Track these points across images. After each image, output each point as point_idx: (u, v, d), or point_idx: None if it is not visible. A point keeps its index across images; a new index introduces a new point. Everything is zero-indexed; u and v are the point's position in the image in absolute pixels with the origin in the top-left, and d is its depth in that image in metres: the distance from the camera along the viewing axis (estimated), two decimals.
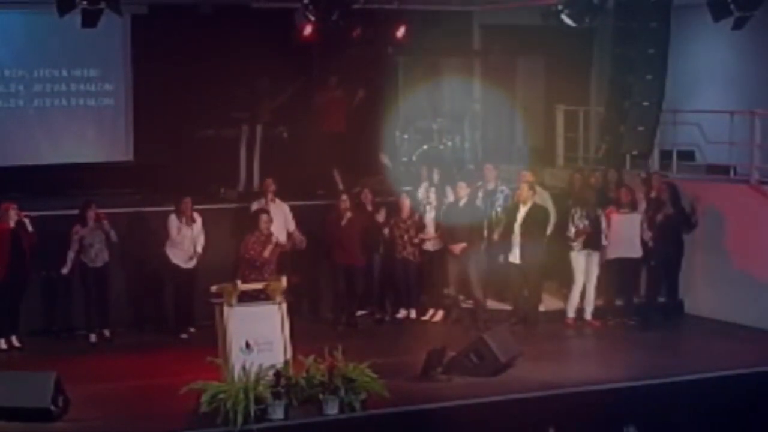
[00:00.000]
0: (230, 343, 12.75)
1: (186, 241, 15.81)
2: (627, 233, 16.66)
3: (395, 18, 18.40)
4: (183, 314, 16.10)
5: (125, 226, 16.21)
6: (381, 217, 16.94)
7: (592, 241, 16.56)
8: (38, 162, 18.20)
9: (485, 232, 16.75)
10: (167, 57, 18.34)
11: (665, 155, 18.21)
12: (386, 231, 16.84)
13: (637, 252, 16.73)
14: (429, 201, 17.03)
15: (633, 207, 16.80)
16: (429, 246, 16.92)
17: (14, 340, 15.27)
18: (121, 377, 13.89)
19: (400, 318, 17.11)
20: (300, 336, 13.46)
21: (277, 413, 12.13)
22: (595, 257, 16.65)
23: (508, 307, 16.91)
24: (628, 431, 12.72)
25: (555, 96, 20.45)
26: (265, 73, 18.40)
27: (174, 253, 15.88)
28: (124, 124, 18.80)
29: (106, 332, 15.73)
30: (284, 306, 13.20)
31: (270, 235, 15.42)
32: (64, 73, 18.47)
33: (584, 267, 16.63)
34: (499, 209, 16.92)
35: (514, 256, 16.46)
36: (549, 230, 16.68)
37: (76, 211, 15.60)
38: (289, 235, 16.54)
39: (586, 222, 16.50)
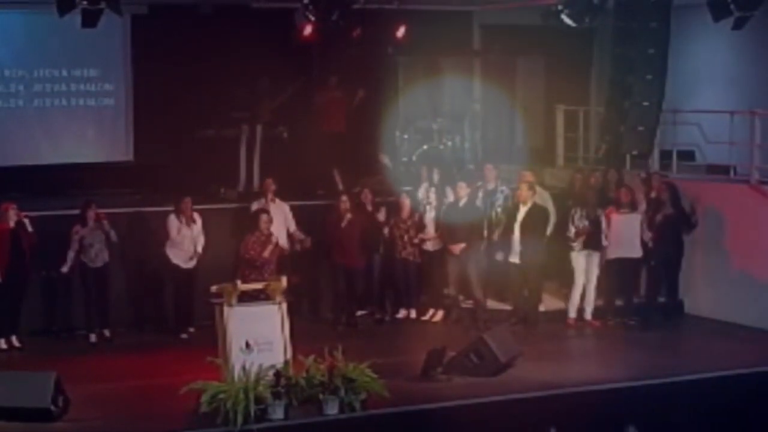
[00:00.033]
0: (230, 343, 12.75)
1: (186, 241, 15.80)
2: (627, 233, 16.66)
3: (395, 18, 18.39)
4: (183, 314, 16.10)
5: (125, 226, 16.21)
6: (381, 216, 16.95)
7: (592, 241, 16.56)
8: (38, 162, 18.20)
9: (485, 232, 16.75)
10: (167, 57, 18.34)
11: (665, 155, 18.21)
12: (386, 230, 16.85)
13: (637, 252, 16.73)
14: (429, 201, 17.03)
15: (633, 207, 16.79)
16: (429, 246, 16.92)
17: (14, 340, 15.28)
18: (121, 377, 13.89)
19: (400, 318, 17.11)
20: (300, 336, 13.46)
21: (277, 413, 12.13)
22: (595, 257, 16.65)
23: (508, 307, 16.91)
24: (628, 431, 12.72)
25: (555, 96, 20.45)
26: (265, 73, 18.40)
27: (174, 253, 15.88)
28: (124, 124, 18.80)
29: (106, 332, 15.73)
30: (284, 306, 13.20)
31: (270, 235, 15.42)
32: (64, 73, 18.47)
33: (584, 267, 16.64)
34: (499, 209, 16.92)
35: (514, 256, 16.47)
36: (549, 230, 16.69)
37: (76, 211, 15.60)
38: (290, 235, 16.56)
39: (586, 222, 16.50)
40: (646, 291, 17.27)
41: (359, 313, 16.90)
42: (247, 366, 12.45)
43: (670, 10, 16.11)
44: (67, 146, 18.54)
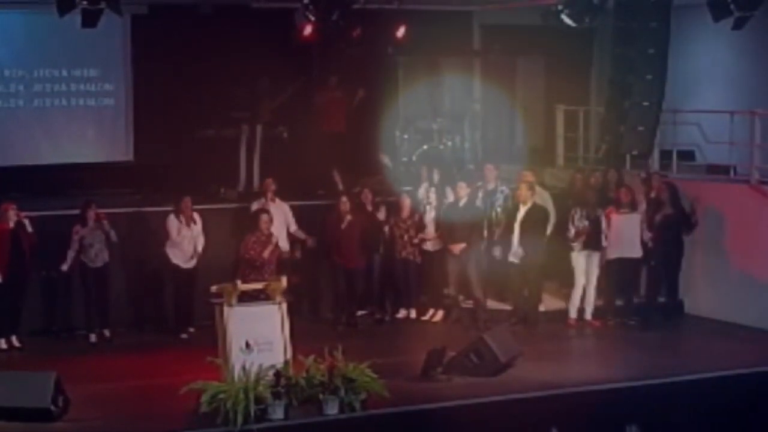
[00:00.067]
0: (230, 343, 12.75)
1: (186, 241, 15.80)
2: (627, 233, 16.66)
3: (395, 18, 18.38)
4: (183, 314, 16.10)
5: (125, 226, 16.21)
6: (381, 215, 16.95)
7: (592, 241, 16.56)
8: (38, 162, 18.20)
9: (485, 232, 16.75)
10: (167, 57, 18.35)
11: (665, 155, 18.21)
12: (386, 229, 16.84)
13: (637, 252, 16.73)
14: (429, 201, 17.03)
15: (633, 207, 16.79)
16: (429, 246, 16.92)
17: (14, 340, 15.28)
18: (121, 377, 13.89)
19: (400, 318, 17.11)
20: (300, 336, 13.46)
21: (277, 413, 12.13)
22: (596, 258, 16.65)
23: (508, 307, 16.91)
24: (630, 431, 12.72)
25: (555, 96, 20.45)
26: (265, 73, 18.41)
27: (174, 253, 15.88)
28: (124, 124, 18.80)
29: (106, 332, 15.73)
30: (284, 306, 13.20)
31: (270, 235, 15.41)
32: (64, 73, 18.46)
33: (584, 267, 16.64)
34: (499, 209, 16.91)
35: (514, 256, 16.47)
36: (549, 230, 16.68)
37: (76, 211, 15.60)
38: (290, 235, 16.55)
39: (586, 222, 16.49)
40: (646, 291, 17.27)
41: (359, 313, 16.90)
42: (247, 366, 12.44)
43: (670, 10, 16.11)
44: (67, 146, 18.53)
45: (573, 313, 16.77)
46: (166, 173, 18.43)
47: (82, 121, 18.67)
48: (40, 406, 12.06)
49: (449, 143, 19.36)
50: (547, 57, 20.81)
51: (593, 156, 18.90)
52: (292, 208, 16.77)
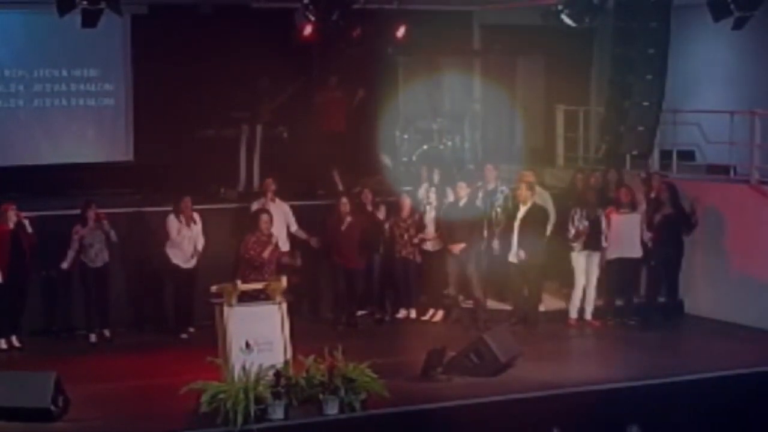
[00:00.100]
0: (230, 343, 12.75)
1: (186, 241, 15.80)
2: (627, 233, 16.66)
3: (395, 18, 18.37)
4: (183, 314, 16.10)
5: (125, 226, 16.21)
6: (381, 214, 16.95)
7: (592, 241, 16.56)
8: (38, 162, 18.20)
9: (485, 233, 16.75)
10: (167, 57, 18.34)
11: (665, 155, 18.21)
12: (387, 226, 16.84)
13: (637, 252, 16.73)
14: (429, 201, 17.03)
15: (633, 207, 16.79)
16: (429, 246, 16.92)
17: (14, 340, 15.27)
18: (121, 377, 13.89)
19: (400, 318, 17.11)
20: (300, 336, 13.46)
21: (277, 413, 12.13)
22: (595, 258, 16.65)
23: (508, 307, 16.90)
24: (631, 431, 12.72)
25: (555, 96, 20.45)
26: (265, 73, 18.40)
27: (174, 253, 15.88)
28: (124, 124, 18.80)
29: (106, 332, 15.73)
30: (284, 306, 13.19)
31: (270, 235, 15.41)
32: (64, 73, 18.47)
33: (584, 267, 16.64)
34: (499, 209, 16.91)
35: (514, 256, 16.46)
36: (549, 230, 16.68)
37: (76, 211, 15.59)
38: (291, 237, 16.54)
39: (586, 223, 16.49)
40: (646, 291, 17.27)
41: (359, 313, 16.89)
42: (247, 366, 12.44)
43: (670, 10, 16.11)
44: (67, 146, 18.54)
45: (573, 313, 16.77)
46: (166, 173, 18.43)
47: (82, 121, 18.67)
48: (40, 406, 12.06)
49: (449, 143, 19.36)
50: (547, 57, 20.81)
51: (593, 156, 18.90)
52: (292, 208, 16.76)
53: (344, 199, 16.63)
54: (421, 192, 17.27)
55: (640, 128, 16.32)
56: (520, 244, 16.35)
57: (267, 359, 12.66)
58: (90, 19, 14.76)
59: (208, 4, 18.77)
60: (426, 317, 17.01)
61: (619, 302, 16.90)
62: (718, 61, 19.54)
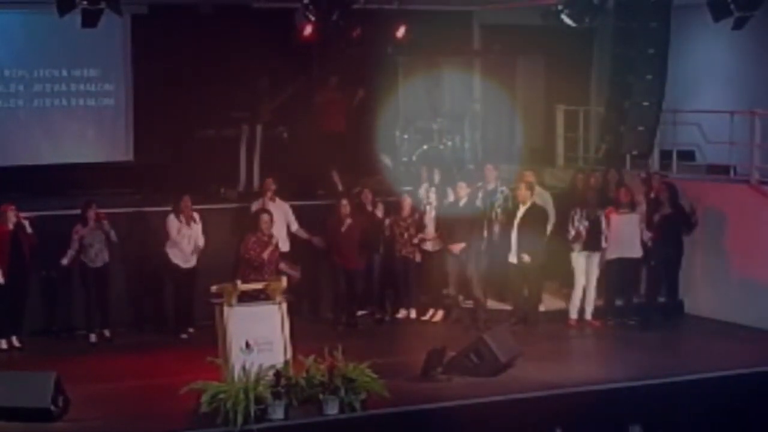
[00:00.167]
0: (230, 343, 12.75)
1: (186, 240, 15.80)
2: (627, 233, 16.65)
3: (395, 18, 18.38)
4: (183, 314, 16.10)
5: (125, 226, 16.21)
6: (379, 212, 16.95)
7: (592, 241, 16.55)
8: (38, 162, 18.19)
9: (485, 233, 16.75)
10: (167, 57, 18.35)
11: (665, 155, 18.21)
12: (387, 223, 16.84)
13: (637, 252, 16.73)
14: (429, 201, 17.03)
15: (633, 207, 16.79)
16: (429, 246, 16.92)
17: (14, 340, 15.27)
18: (121, 377, 13.89)
19: (400, 318, 17.11)
20: (300, 336, 13.45)
21: (277, 413, 12.13)
22: (595, 258, 16.65)
23: (508, 307, 16.90)
24: (633, 431, 12.71)
25: (555, 96, 20.45)
26: (265, 73, 18.42)
27: (174, 253, 15.88)
28: (124, 124, 18.80)
29: (106, 332, 15.73)
30: (284, 306, 13.19)
31: (271, 236, 15.40)
32: (64, 73, 18.46)
33: (584, 268, 16.64)
34: (498, 209, 16.91)
35: (514, 256, 16.46)
36: (548, 230, 16.68)
37: (76, 211, 15.59)
38: (290, 234, 16.54)
39: (586, 223, 16.49)
40: (646, 291, 17.27)
41: (359, 313, 16.89)
42: (247, 366, 12.44)
43: (670, 10, 16.13)
44: (67, 146, 18.53)
45: (573, 314, 16.77)
46: (166, 173, 18.43)
47: (82, 121, 18.67)
48: (40, 406, 12.06)
49: (449, 143, 19.36)
50: (547, 57, 20.82)
51: (593, 156, 18.90)
52: (292, 208, 16.76)
53: (344, 201, 16.63)
54: (421, 192, 17.27)
55: (640, 128, 16.33)
56: (519, 245, 16.35)
57: (267, 359, 12.66)
58: (90, 19, 14.77)
59: (208, 4, 18.77)
60: (426, 317, 17.01)
61: (619, 302, 16.90)
62: (718, 61, 19.55)
